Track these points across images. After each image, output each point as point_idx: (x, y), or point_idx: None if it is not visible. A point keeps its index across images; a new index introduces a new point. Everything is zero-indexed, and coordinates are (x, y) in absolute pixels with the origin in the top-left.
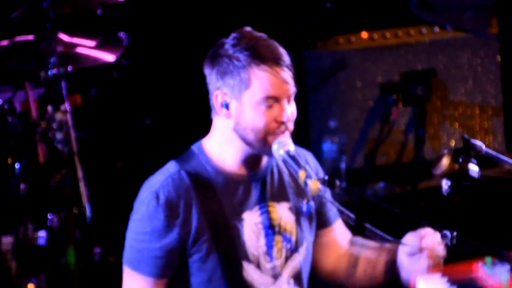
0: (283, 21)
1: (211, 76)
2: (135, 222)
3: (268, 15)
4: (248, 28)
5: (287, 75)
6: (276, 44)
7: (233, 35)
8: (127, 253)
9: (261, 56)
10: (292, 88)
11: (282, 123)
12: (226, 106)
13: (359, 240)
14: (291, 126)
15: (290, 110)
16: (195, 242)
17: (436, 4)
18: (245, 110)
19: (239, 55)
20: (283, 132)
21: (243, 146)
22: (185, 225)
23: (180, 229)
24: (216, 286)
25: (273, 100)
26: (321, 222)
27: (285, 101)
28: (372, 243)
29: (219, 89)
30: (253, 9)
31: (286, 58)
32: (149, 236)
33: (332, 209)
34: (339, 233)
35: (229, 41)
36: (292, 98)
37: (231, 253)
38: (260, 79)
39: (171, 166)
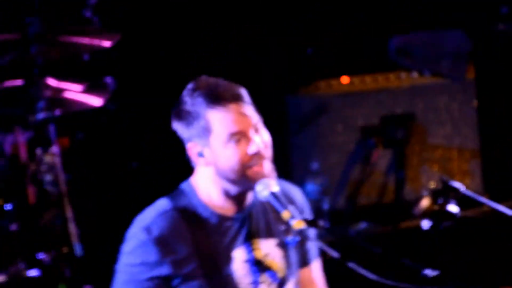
0: (265, 68)
1: (180, 130)
2: (125, 255)
3: (253, 61)
4: (203, 76)
5: (244, 108)
6: (232, 84)
7: (189, 86)
8: (118, 282)
9: (215, 98)
10: (254, 118)
11: (255, 154)
12: (202, 155)
13: None
14: (267, 153)
15: (259, 139)
16: (186, 278)
17: (414, 51)
18: (218, 153)
19: (196, 104)
20: (260, 163)
21: (229, 186)
22: (176, 261)
23: (171, 264)
24: None
25: (238, 135)
26: (301, 260)
27: (251, 133)
28: None
29: (190, 141)
30: (237, 55)
31: (241, 93)
32: (139, 268)
33: (312, 250)
34: (316, 274)
35: (186, 93)
36: (259, 127)
37: None
38: (219, 120)
39: (163, 203)
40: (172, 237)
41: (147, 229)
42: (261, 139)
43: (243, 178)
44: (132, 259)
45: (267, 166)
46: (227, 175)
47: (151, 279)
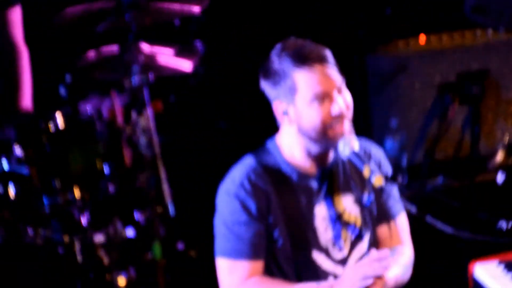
0: (347, 28)
1: (267, 89)
2: (223, 210)
3: (333, 22)
4: (291, 37)
5: (329, 70)
6: (318, 46)
7: (277, 46)
8: (225, 245)
9: (302, 59)
10: (338, 80)
11: (337, 115)
12: (286, 114)
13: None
14: (348, 114)
15: (342, 100)
16: (272, 227)
17: (489, 8)
18: (302, 112)
19: (284, 64)
20: (341, 123)
21: (310, 145)
22: (267, 212)
23: (264, 213)
24: (290, 269)
25: (322, 95)
26: (381, 217)
27: (335, 94)
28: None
29: (277, 99)
30: (319, 17)
31: (326, 54)
32: (245, 225)
33: (395, 205)
34: (401, 227)
35: (274, 53)
36: (343, 88)
37: (302, 243)
38: (305, 81)
39: (249, 160)
40: (262, 189)
41: (241, 184)
42: (344, 100)
43: (324, 137)
44: (236, 218)
45: (348, 127)
46: (309, 134)
47: (254, 231)
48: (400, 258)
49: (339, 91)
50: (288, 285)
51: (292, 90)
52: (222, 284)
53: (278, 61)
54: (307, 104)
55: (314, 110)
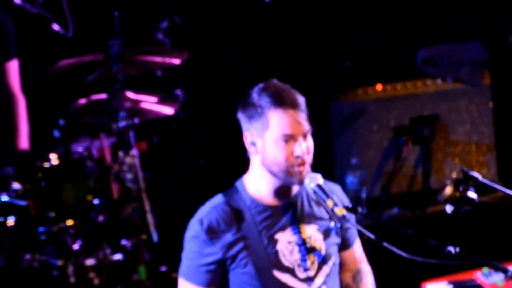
0: (313, 78)
1: (242, 120)
2: (186, 243)
3: (301, 72)
4: (274, 80)
5: (300, 116)
6: (295, 92)
7: (260, 85)
8: (182, 268)
9: (279, 101)
10: (306, 127)
11: (298, 157)
12: (254, 144)
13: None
14: (308, 159)
15: (305, 146)
16: (235, 257)
17: (438, 60)
18: (268, 147)
19: (262, 102)
20: (302, 165)
21: (272, 179)
22: (224, 246)
23: (221, 249)
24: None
25: (289, 137)
26: (343, 243)
27: (300, 138)
28: None
29: (248, 131)
30: (289, 66)
31: (300, 102)
32: (196, 254)
33: (352, 233)
34: (358, 252)
35: (255, 90)
36: (308, 135)
37: (263, 265)
38: (277, 120)
39: (218, 198)
40: (220, 226)
41: (200, 221)
42: (306, 146)
43: (285, 174)
44: (191, 247)
45: (306, 169)
46: (271, 167)
47: (207, 264)
48: (369, 279)
49: (305, 136)
50: None
51: (264, 126)
52: None
53: (257, 98)
54: (274, 141)
55: (279, 148)
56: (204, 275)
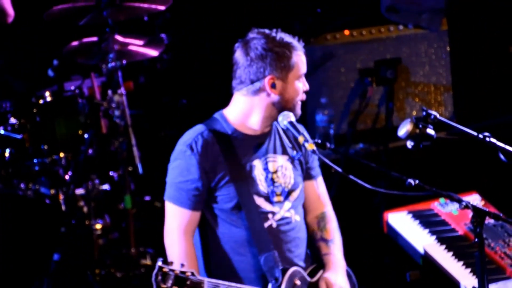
0: (285, 25)
1: (256, 67)
2: (175, 169)
3: (274, 20)
4: (254, 28)
5: None
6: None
7: (266, 32)
8: (170, 192)
9: (297, 45)
10: None
11: (304, 91)
12: (274, 86)
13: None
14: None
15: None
16: (219, 182)
17: (400, 8)
18: (290, 86)
19: (284, 47)
20: (303, 99)
21: (274, 113)
22: (212, 170)
23: (209, 173)
24: (235, 213)
25: (303, 76)
26: (308, 174)
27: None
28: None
29: (270, 74)
30: (261, 12)
31: None
32: (187, 179)
33: (316, 168)
34: (320, 188)
35: (267, 39)
36: None
37: (245, 188)
38: (300, 61)
39: (199, 127)
40: (207, 150)
41: (189, 146)
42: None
43: (293, 107)
44: (180, 173)
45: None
46: (286, 104)
47: (195, 188)
48: (333, 224)
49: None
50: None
51: (289, 68)
52: (166, 224)
53: (276, 44)
54: (296, 81)
55: (298, 86)
56: (191, 198)
